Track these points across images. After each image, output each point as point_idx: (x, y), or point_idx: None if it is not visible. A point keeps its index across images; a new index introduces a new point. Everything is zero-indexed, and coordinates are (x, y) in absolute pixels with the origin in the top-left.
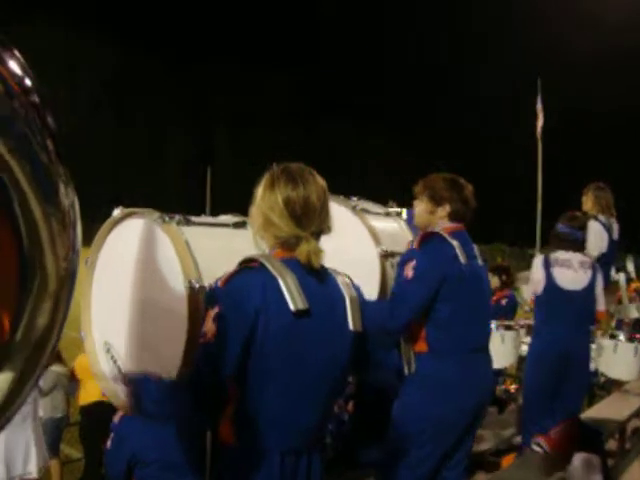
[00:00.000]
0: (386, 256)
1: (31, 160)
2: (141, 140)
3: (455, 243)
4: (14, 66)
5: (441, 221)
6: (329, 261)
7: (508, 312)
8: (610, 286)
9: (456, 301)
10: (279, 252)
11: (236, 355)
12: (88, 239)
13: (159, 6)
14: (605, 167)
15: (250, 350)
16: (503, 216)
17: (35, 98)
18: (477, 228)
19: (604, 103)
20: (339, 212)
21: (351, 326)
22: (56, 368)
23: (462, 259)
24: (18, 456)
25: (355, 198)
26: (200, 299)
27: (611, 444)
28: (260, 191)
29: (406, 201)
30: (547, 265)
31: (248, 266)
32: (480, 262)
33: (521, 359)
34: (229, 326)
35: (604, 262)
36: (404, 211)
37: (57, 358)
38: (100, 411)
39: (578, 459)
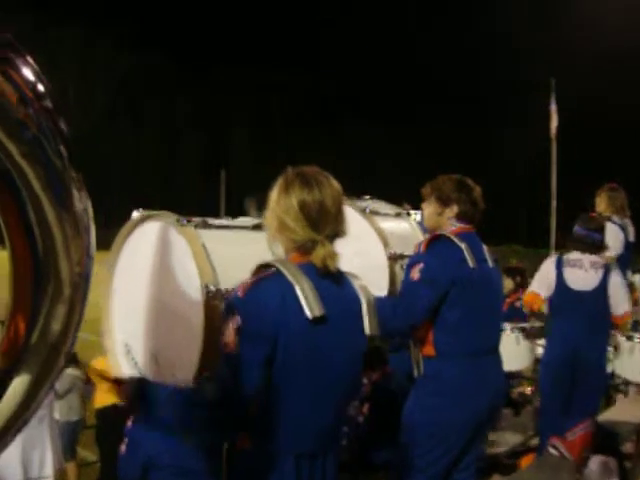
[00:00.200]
0: (395, 259)
1: (45, 165)
2: (156, 142)
3: (463, 246)
4: (27, 72)
5: (449, 222)
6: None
7: (523, 314)
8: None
9: (464, 305)
10: (295, 256)
11: (260, 369)
12: (105, 242)
13: (175, 8)
14: (619, 168)
15: (271, 359)
16: (518, 217)
17: (48, 103)
18: (491, 229)
19: (619, 103)
20: (348, 214)
21: (367, 330)
22: (72, 371)
23: (470, 262)
24: (34, 458)
25: (367, 197)
26: (216, 303)
27: (628, 447)
28: (274, 195)
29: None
30: (559, 265)
31: (265, 273)
32: (490, 264)
33: (536, 361)
34: (252, 338)
35: (620, 263)
36: (415, 214)
37: (73, 361)
38: (116, 414)
39: (595, 462)
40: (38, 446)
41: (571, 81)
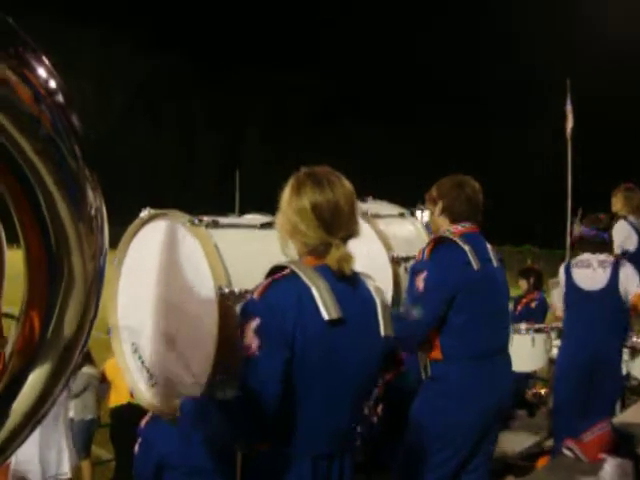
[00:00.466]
0: (398, 261)
1: (59, 163)
2: (173, 143)
3: (467, 248)
4: (40, 69)
5: (442, 221)
6: None
7: (538, 315)
8: None
9: (470, 309)
10: (309, 259)
11: (282, 370)
12: (119, 242)
13: (192, 11)
14: (636, 168)
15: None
16: (533, 218)
17: (60, 98)
18: (508, 230)
19: (635, 103)
20: None
21: (382, 331)
22: (87, 370)
23: (475, 264)
24: (52, 457)
25: (369, 198)
26: (229, 304)
27: None
28: (286, 197)
29: None
30: (568, 268)
31: (280, 275)
32: (495, 263)
33: (551, 362)
34: (271, 340)
35: (634, 262)
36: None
37: (88, 360)
38: (130, 413)
39: (610, 464)
40: (55, 445)
41: (587, 81)
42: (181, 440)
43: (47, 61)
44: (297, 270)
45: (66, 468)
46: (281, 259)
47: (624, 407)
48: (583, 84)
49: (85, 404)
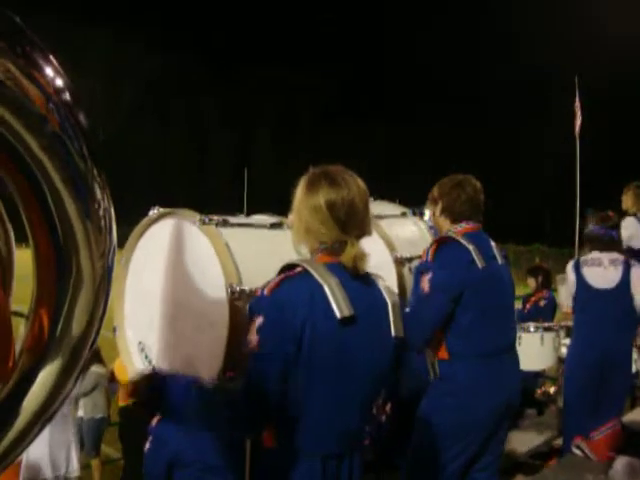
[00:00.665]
0: (402, 262)
1: (66, 161)
2: (183, 141)
3: (471, 247)
4: (46, 66)
5: (443, 221)
6: None
7: (547, 313)
8: None
9: (475, 308)
10: (322, 257)
11: (282, 369)
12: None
13: (202, 10)
14: None
15: (296, 358)
16: (542, 217)
17: (67, 97)
18: (516, 229)
19: None
20: None
21: (393, 332)
22: (96, 369)
23: (479, 263)
24: (61, 456)
25: (371, 199)
26: (240, 303)
27: None
28: (299, 195)
29: None
30: (577, 267)
31: (292, 272)
32: (499, 261)
33: (561, 361)
34: (277, 337)
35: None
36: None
37: (97, 359)
38: (139, 412)
39: (620, 463)
40: (64, 443)
41: (596, 78)
42: (193, 438)
43: (54, 60)
44: (309, 268)
45: (75, 466)
46: (292, 258)
47: (633, 406)
48: (591, 82)
49: (95, 403)
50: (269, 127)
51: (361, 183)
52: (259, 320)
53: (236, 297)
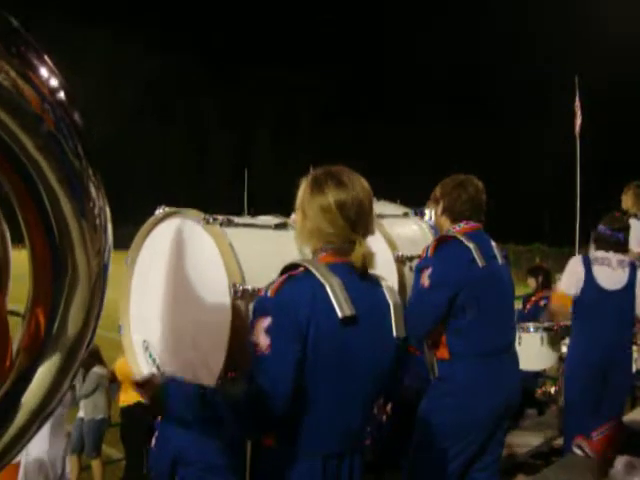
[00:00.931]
0: (403, 261)
1: (61, 160)
2: (183, 142)
3: (472, 246)
4: (41, 67)
5: (445, 221)
6: None
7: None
8: None
9: (475, 307)
10: (325, 257)
11: (293, 370)
12: (131, 241)
13: (202, 10)
14: None
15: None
16: (542, 216)
17: (62, 97)
18: (516, 228)
19: None
20: None
21: (395, 332)
22: (97, 370)
23: (480, 262)
24: (57, 461)
25: (374, 199)
26: (244, 302)
27: None
28: (304, 196)
29: None
30: (587, 263)
31: (294, 272)
32: (500, 261)
33: (561, 360)
34: (284, 338)
35: None
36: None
37: (98, 360)
38: (140, 412)
39: (621, 462)
40: (60, 448)
41: (596, 78)
42: (197, 436)
43: (49, 60)
44: (311, 268)
45: (68, 468)
46: (295, 258)
47: (634, 405)
48: (591, 82)
49: (95, 404)
50: (269, 127)
51: (365, 183)
52: (266, 321)
53: (239, 296)
